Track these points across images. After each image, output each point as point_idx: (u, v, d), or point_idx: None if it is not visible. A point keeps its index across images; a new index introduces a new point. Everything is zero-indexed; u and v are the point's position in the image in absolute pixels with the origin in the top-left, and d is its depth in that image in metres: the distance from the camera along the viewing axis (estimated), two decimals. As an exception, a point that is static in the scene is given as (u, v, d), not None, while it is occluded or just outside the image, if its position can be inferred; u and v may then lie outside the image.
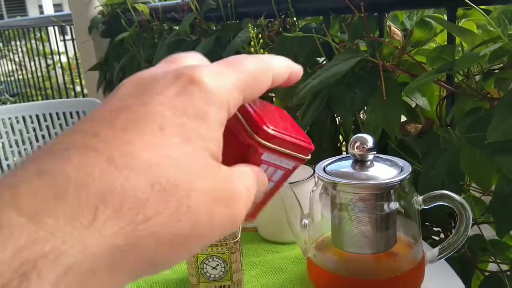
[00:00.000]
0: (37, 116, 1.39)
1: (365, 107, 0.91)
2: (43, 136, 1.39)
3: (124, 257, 0.17)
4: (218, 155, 0.22)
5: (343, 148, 1.07)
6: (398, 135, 0.84)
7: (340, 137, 1.02)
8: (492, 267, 0.82)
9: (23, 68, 3.93)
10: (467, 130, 0.69)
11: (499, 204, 0.68)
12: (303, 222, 0.54)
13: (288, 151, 0.30)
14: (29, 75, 3.80)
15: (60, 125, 1.40)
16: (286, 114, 0.32)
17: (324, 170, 0.52)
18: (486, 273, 0.81)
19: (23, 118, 1.38)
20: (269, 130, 0.28)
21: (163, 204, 0.18)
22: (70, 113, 1.44)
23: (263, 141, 0.29)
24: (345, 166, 0.51)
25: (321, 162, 0.53)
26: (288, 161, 0.31)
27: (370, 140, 0.50)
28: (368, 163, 0.50)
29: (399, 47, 0.86)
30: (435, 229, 0.85)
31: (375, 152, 0.50)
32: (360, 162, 0.50)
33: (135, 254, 0.18)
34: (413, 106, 0.90)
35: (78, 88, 3.49)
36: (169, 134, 0.19)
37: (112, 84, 1.83)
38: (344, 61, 0.85)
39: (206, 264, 0.53)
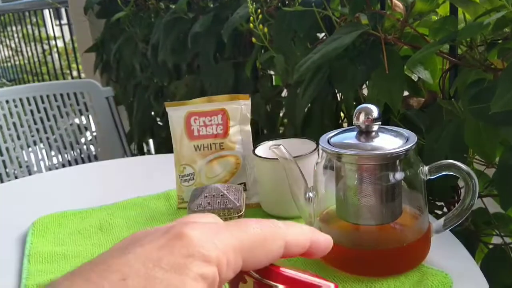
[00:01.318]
0: (34, 98, 1.38)
1: (367, 82, 0.90)
2: (40, 119, 1.38)
3: None
4: None
5: (345, 125, 1.06)
6: (400, 109, 0.83)
7: (342, 114, 1.01)
8: (496, 240, 0.82)
9: (19, 53, 3.89)
10: (470, 102, 0.68)
11: (503, 176, 0.68)
12: (307, 195, 0.53)
13: None
14: (26, 61, 3.77)
15: (58, 107, 1.39)
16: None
17: (328, 142, 0.51)
18: (490, 246, 0.80)
19: (20, 100, 1.37)
20: None
21: None
22: (68, 95, 1.43)
23: None
24: (350, 137, 0.50)
25: (325, 135, 0.52)
26: None
27: (375, 110, 0.49)
28: (373, 133, 0.49)
29: (401, 19, 0.84)
30: (438, 203, 0.85)
31: (380, 123, 0.49)
32: (365, 133, 0.50)
33: None
34: (415, 80, 0.89)
35: (75, 73, 3.46)
36: (131, 285, 0.20)
37: (109, 65, 1.81)
38: (346, 35, 0.83)
39: (210, 239, 0.53)
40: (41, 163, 1.39)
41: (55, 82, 1.68)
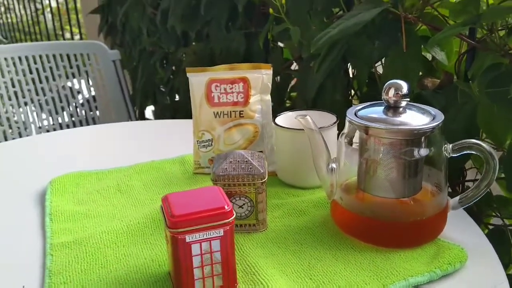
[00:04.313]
0: (34, 57, 1.36)
1: (383, 60, 0.90)
2: (32, 80, 1.36)
3: None
4: None
5: (355, 102, 1.06)
6: (415, 89, 0.84)
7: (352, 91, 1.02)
8: (496, 222, 0.84)
9: (11, 11, 3.80)
10: (487, 85, 0.69)
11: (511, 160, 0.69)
12: (330, 166, 0.54)
13: (205, 225, 0.41)
14: (18, 19, 3.68)
15: (50, 68, 1.37)
16: (212, 189, 0.44)
17: (355, 114, 0.52)
18: (490, 227, 0.83)
19: (26, 58, 1.35)
20: (174, 219, 0.40)
21: None
22: (74, 56, 1.41)
23: (174, 230, 0.40)
24: (377, 111, 0.51)
25: (352, 107, 0.53)
26: (214, 230, 0.41)
27: (404, 87, 0.50)
28: (401, 109, 0.50)
29: (422, -1, 0.84)
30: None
31: (408, 99, 0.50)
32: (393, 108, 0.50)
33: None
34: (429, 60, 0.90)
35: (67, 35, 3.39)
36: None
37: (115, 29, 1.79)
38: (366, 11, 0.83)
39: (233, 203, 0.54)
40: (32, 125, 1.37)
41: (61, 42, 1.65)
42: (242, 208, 0.54)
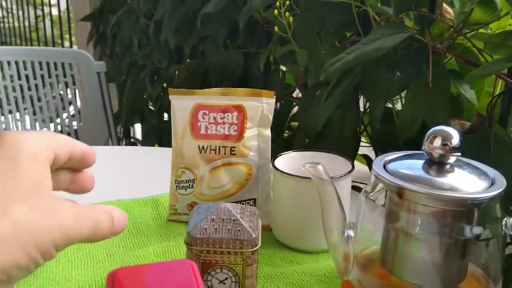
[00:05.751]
0: (16, 62, 1.23)
1: (401, 94, 0.78)
2: (20, 86, 1.22)
3: None
4: (39, 177, 0.30)
5: (363, 139, 0.94)
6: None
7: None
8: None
9: (10, 16, 3.70)
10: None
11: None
12: (346, 233, 0.41)
13: None
14: (16, 24, 3.58)
15: (42, 76, 1.24)
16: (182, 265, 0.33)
17: (385, 168, 0.38)
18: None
19: (0, 63, 1.21)
20: None
21: None
22: (55, 64, 1.28)
23: None
24: (415, 167, 0.38)
25: (380, 157, 0.40)
26: None
27: (455, 137, 0.37)
28: (448, 167, 0.37)
29: (453, 27, 0.72)
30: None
31: (460, 154, 0.37)
32: (437, 165, 0.37)
33: None
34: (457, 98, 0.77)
35: (66, 43, 3.28)
36: None
37: (105, 38, 1.67)
38: (387, 37, 0.71)
39: (212, 276, 0.40)
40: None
41: (44, 48, 1.53)
42: (224, 284, 0.40)
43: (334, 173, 0.49)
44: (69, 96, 1.31)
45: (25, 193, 0.29)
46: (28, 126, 1.25)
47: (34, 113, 1.24)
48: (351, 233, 0.41)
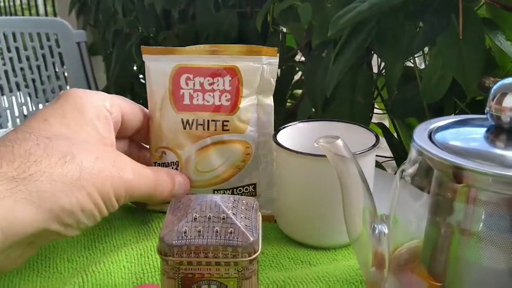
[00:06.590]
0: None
1: (425, 49, 0.67)
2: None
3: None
4: (103, 132, 0.36)
5: (378, 105, 0.83)
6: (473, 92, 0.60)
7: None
8: None
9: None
10: None
11: None
12: (377, 230, 0.30)
13: None
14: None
15: (17, 48, 1.12)
16: None
17: (430, 138, 0.28)
18: None
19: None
20: None
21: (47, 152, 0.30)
22: (30, 35, 1.16)
23: None
24: (476, 137, 0.27)
25: (423, 124, 0.29)
26: None
27: (537, 93, 0.26)
28: (524, 136, 0.26)
29: (487, -35, 0.60)
30: None
31: (542, 117, 0.26)
32: (509, 134, 0.26)
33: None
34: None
35: (41, 10, 3.13)
36: (53, 122, 0.33)
37: (88, 7, 1.54)
38: (408, -20, 0.59)
39: (198, 295, 0.29)
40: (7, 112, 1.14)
41: (17, 17, 1.40)
42: (215, 303, 0.30)
43: (354, 148, 0.38)
44: (47, 70, 1.19)
45: (92, 144, 0.33)
46: (2, 105, 1.14)
47: (10, 90, 1.13)
48: (384, 229, 0.31)
